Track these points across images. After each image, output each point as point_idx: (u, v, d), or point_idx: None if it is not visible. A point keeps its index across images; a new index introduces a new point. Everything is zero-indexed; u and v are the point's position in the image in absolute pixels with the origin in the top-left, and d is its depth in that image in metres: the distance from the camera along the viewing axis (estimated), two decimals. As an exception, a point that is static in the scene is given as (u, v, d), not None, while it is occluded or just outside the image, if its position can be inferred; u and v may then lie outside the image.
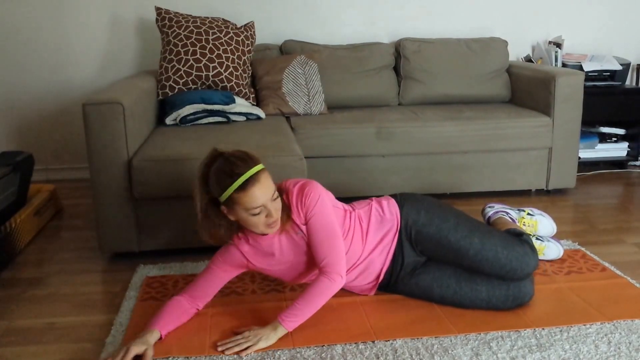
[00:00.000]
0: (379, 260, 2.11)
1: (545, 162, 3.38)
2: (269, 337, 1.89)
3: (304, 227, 1.99)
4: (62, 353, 1.92)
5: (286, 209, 1.96)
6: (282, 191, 1.99)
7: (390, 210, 2.12)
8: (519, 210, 2.59)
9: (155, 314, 1.98)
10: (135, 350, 1.81)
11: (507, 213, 2.52)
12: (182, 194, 2.56)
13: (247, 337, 1.89)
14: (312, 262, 2.04)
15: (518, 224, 2.50)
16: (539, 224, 2.56)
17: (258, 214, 1.87)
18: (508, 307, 2.06)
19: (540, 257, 2.40)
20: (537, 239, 2.47)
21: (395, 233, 2.10)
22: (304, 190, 1.98)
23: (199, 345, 1.90)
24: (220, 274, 2.06)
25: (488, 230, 2.10)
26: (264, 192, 1.85)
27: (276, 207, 1.90)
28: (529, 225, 2.54)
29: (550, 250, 2.47)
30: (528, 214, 2.57)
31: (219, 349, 1.87)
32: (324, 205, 1.98)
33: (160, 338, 1.91)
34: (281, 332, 1.91)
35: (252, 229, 1.93)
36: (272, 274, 2.11)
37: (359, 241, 2.08)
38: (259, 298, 2.23)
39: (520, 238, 2.13)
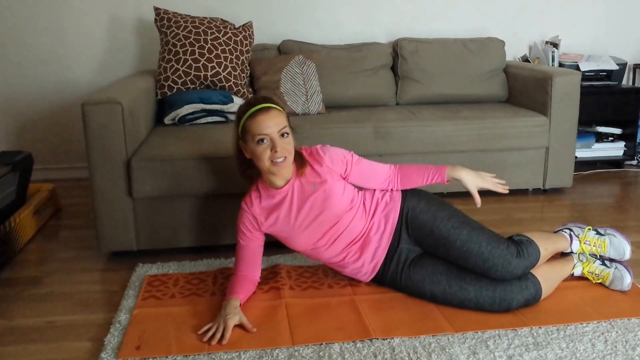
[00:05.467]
0: (375, 239, 2.18)
1: (542, 162, 3.39)
2: (462, 169, 2.19)
3: (319, 180, 2.12)
4: (61, 352, 1.93)
5: (304, 161, 2.12)
6: (300, 151, 2.15)
7: (393, 197, 2.22)
8: (582, 227, 2.35)
9: (228, 289, 2.14)
10: (232, 322, 1.96)
11: (571, 230, 2.34)
12: (181, 193, 2.57)
13: (478, 183, 2.15)
14: (319, 227, 2.13)
15: (580, 242, 2.30)
16: (608, 245, 2.29)
17: (263, 143, 1.99)
18: (496, 309, 2.07)
19: (606, 284, 2.26)
20: (602, 263, 2.28)
21: (396, 216, 2.18)
22: (330, 150, 2.15)
23: (199, 345, 1.91)
24: (251, 244, 2.19)
25: (479, 227, 2.14)
26: (271, 122, 1.99)
27: (284, 145, 2.01)
28: (593, 245, 2.29)
29: (615, 279, 2.23)
30: (597, 232, 2.32)
31: (495, 188, 2.21)
32: (352, 152, 2.20)
33: (240, 305, 2.06)
34: (457, 167, 2.21)
35: (260, 163, 2.04)
36: (284, 237, 2.20)
37: (361, 219, 2.17)
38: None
39: (511, 239, 2.14)
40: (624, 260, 2.29)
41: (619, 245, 2.28)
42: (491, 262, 2.05)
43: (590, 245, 2.30)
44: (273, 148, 2.00)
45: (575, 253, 2.31)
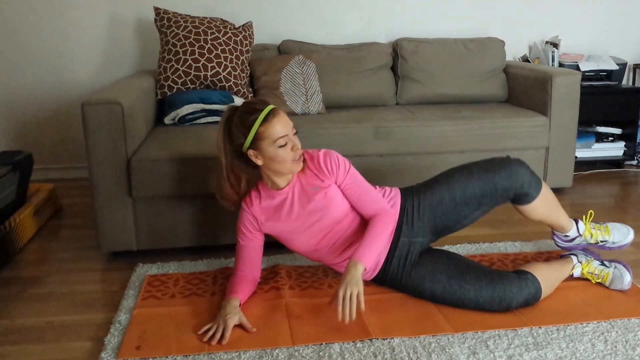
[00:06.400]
0: None
1: (542, 162, 3.39)
2: (357, 280, 1.93)
3: (320, 183, 2.11)
4: (61, 352, 1.93)
5: (305, 161, 2.11)
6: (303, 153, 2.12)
7: (392, 195, 2.24)
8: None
9: (228, 288, 2.13)
10: (232, 322, 1.95)
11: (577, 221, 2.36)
12: (181, 193, 2.57)
13: (344, 294, 1.91)
14: (320, 229, 2.13)
15: (585, 225, 2.33)
16: (611, 228, 2.33)
17: (285, 145, 1.99)
18: (495, 309, 2.07)
19: (606, 284, 2.26)
20: (602, 263, 2.29)
21: (396, 215, 2.18)
22: (331, 154, 2.13)
23: (199, 345, 1.92)
24: (251, 244, 2.19)
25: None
26: (285, 123, 2.00)
27: (298, 140, 2.04)
28: (597, 229, 2.31)
29: (615, 278, 2.23)
30: (597, 223, 2.36)
31: (339, 308, 1.91)
32: (352, 166, 2.17)
33: (240, 305, 2.05)
34: (361, 269, 1.96)
35: (281, 165, 2.03)
36: (284, 238, 2.19)
37: (362, 220, 2.18)
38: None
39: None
40: (629, 241, 2.32)
41: (621, 226, 2.33)
42: (493, 174, 2.10)
43: (595, 229, 2.32)
44: (294, 147, 2.02)
45: (582, 235, 2.32)
